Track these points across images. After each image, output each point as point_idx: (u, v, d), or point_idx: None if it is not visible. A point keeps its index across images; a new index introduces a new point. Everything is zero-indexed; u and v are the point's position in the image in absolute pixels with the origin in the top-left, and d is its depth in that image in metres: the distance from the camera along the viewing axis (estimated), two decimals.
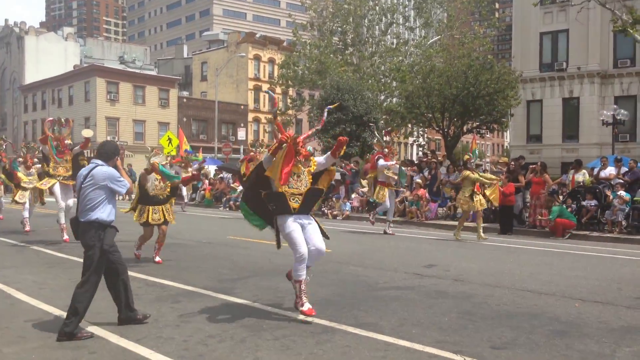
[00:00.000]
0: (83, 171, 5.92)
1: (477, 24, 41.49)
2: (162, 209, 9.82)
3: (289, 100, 42.26)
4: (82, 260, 5.79)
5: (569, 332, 5.72)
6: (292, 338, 5.47)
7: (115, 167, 5.97)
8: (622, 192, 14.68)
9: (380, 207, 15.43)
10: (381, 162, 14.55)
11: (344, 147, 6.58)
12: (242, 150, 45.70)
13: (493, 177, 14.30)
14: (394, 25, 38.60)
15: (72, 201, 12.09)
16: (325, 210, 20.68)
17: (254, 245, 12.28)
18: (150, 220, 9.72)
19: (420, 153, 60.43)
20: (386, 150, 14.98)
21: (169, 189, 9.94)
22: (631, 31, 18.78)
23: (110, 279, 5.90)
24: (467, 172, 13.56)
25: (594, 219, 15.11)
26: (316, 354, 5.02)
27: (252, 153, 18.90)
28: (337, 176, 21.90)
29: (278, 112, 42.14)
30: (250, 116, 56.96)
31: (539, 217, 15.37)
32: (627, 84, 31.72)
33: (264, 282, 8.21)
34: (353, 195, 21.17)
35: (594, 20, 30.62)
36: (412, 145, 71.47)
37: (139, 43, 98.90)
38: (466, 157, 14.05)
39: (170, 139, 20.04)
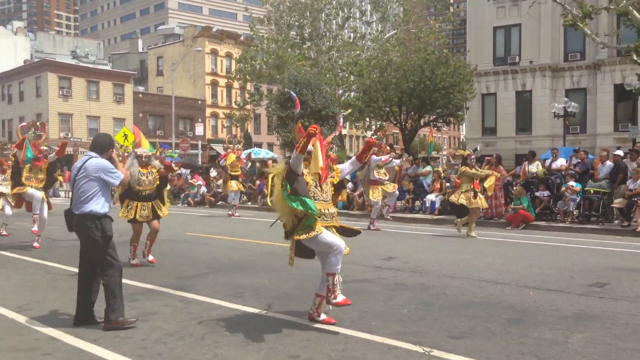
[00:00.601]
0: (77, 164, 5.93)
1: (433, 18, 41.89)
2: (152, 205, 9.19)
3: (247, 95, 42.02)
4: (33, 259, 5.65)
5: (524, 320, 5.86)
6: (252, 333, 5.44)
7: (111, 159, 5.97)
8: (572, 183, 15.10)
9: (373, 211, 14.66)
10: (373, 157, 13.91)
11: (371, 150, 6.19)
12: (199, 146, 45.30)
13: (488, 171, 13.90)
14: (351, 19, 38.74)
15: (45, 213, 11.43)
16: None
17: (212, 241, 12.18)
18: (137, 217, 9.09)
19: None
20: (375, 149, 14.03)
21: (158, 182, 9.27)
22: (581, 25, 19.23)
23: (86, 274, 5.87)
24: (465, 168, 12.95)
25: (547, 209, 15.51)
26: (276, 349, 5.01)
27: (229, 150, 18.70)
28: None
29: (236, 105, 41.61)
30: (208, 111, 56.41)
31: (512, 207, 15.40)
32: (577, 77, 32.60)
33: (223, 278, 8.16)
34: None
35: (545, 14, 31.35)
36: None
37: (92, 37, 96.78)
38: (466, 152, 13.43)
39: (126, 135, 19.62)
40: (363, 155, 6.19)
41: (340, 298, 5.70)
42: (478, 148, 14.45)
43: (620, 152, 15.88)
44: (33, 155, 11.09)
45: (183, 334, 5.45)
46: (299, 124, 5.89)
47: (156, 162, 9.45)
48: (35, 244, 11.27)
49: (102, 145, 5.99)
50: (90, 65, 56.58)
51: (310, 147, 5.57)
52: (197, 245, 11.60)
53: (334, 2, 37.52)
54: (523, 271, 8.57)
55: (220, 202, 23.64)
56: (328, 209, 5.77)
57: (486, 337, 5.30)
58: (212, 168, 28.54)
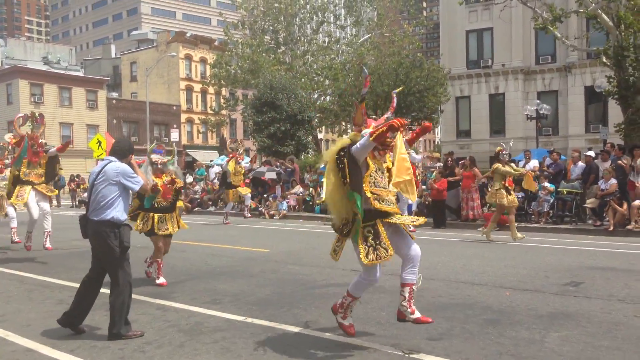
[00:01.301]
0: (95, 168, 5.79)
1: (406, 22, 42.31)
2: (168, 217, 8.30)
3: (222, 101, 41.86)
4: (6, 270, 5.55)
5: (501, 320, 5.93)
6: (231, 340, 5.42)
7: (130, 164, 5.88)
8: (546, 184, 15.32)
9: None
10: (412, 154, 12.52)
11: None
12: (175, 152, 44.88)
13: (521, 169, 13.54)
14: (325, 23, 38.89)
15: (47, 206, 10.89)
16: (262, 210, 20.61)
17: (190, 247, 12.10)
18: (156, 230, 8.15)
19: None
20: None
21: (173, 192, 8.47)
22: (551, 28, 19.59)
23: (92, 279, 5.77)
24: (497, 165, 12.43)
25: (522, 210, 15.70)
26: (257, 354, 5.00)
27: (231, 155, 18.19)
28: (273, 175, 21.87)
29: (212, 111, 41.38)
30: (183, 117, 56.05)
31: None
32: (548, 80, 33.12)
33: (201, 285, 8.11)
34: (289, 195, 21.17)
35: (516, 18, 31.82)
36: None
37: (63, 43, 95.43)
38: (498, 148, 12.81)
39: (99, 142, 19.44)
40: (414, 140, 6.05)
41: (417, 314, 5.22)
42: (511, 144, 13.94)
43: (591, 153, 16.18)
44: (25, 155, 10.49)
45: (162, 342, 5.40)
46: (363, 104, 5.30)
47: (172, 169, 8.58)
48: (48, 245, 10.89)
49: (123, 150, 5.88)
50: (62, 72, 55.79)
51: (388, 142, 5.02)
52: (174, 252, 11.47)
53: (308, 7, 37.64)
54: (499, 272, 8.68)
55: (196, 209, 23.49)
56: (389, 196, 5.18)
57: (464, 338, 5.35)
58: (187, 174, 28.33)
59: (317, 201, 19.10)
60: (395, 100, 5.79)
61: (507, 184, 12.45)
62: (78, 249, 11.82)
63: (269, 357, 4.92)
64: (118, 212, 5.60)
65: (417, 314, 5.19)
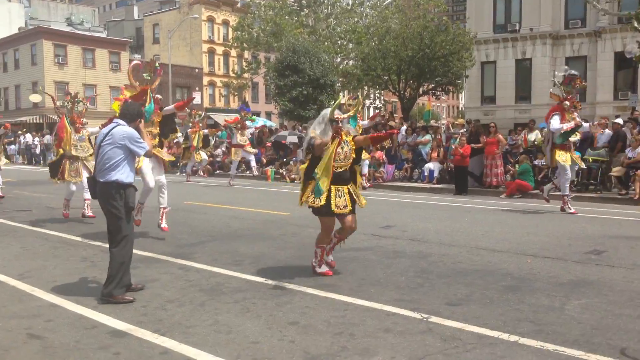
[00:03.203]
0: (103, 130, 5.87)
1: None
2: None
3: (244, 64, 41.66)
4: (33, 228, 5.65)
5: (521, 287, 5.90)
6: (252, 300, 5.49)
7: (137, 129, 5.86)
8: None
9: (558, 180, 11.74)
10: (555, 123, 11.08)
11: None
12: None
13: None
14: None
15: (163, 177, 9.17)
16: (284, 173, 20.66)
17: (211, 210, 12.20)
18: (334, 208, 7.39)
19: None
20: (567, 103, 11.32)
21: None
22: None
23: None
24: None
25: (546, 178, 15.50)
26: (276, 315, 5.05)
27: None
28: (294, 139, 21.85)
29: (234, 74, 40.97)
30: (205, 80, 55.99)
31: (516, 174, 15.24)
32: (577, 45, 32.33)
33: (222, 246, 8.19)
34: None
35: None
36: (368, 107, 71.61)
37: (86, 4, 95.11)
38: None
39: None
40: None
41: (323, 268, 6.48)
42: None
43: (619, 121, 15.83)
44: (152, 110, 8.92)
45: (183, 301, 5.49)
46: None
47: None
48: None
49: (132, 114, 5.90)
50: (86, 33, 55.81)
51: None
52: (195, 214, 11.62)
53: None
54: (521, 239, 8.61)
55: (217, 171, 23.62)
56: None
57: (483, 304, 5.34)
58: (209, 137, 28.40)
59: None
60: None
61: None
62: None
63: (288, 318, 4.97)
64: (122, 174, 5.63)
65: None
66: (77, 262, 7.24)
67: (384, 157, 18.94)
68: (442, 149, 18.00)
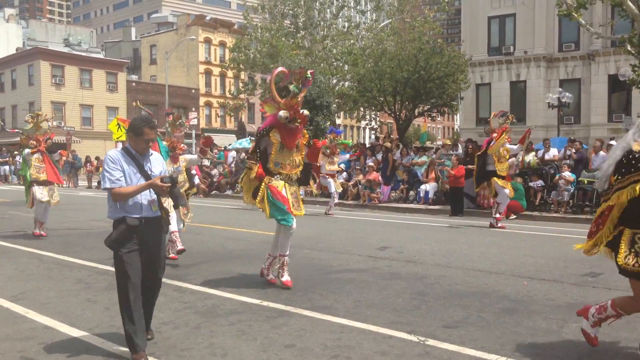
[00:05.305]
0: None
1: (427, 7, 41.85)
2: None
3: (240, 84, 41.84)
4: (27, 249, 5.60)
5: (518, 310, 5.88)
6: (247, 323, 5.45)
7: (144, 141, 4.58)
8: (567, 173, 15.13)
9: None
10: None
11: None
12: (194, 135, 45.08)
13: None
14: (345, 8, 38.56)
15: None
16: None
17: (206, 230, 12.16)
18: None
19: (373, 137, 60.79)
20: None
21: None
22: (576, 15, 19.24)
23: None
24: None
25: (541, 200, 15.55)
26: (272, 338, 5.01)
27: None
28: None
29: (230, 94, 41.09)
30: (202, 100, 56.19)
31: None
32: (571, 68, 32.62)
33: (217, 268, 8.15)
34: None
35: (539, 4, 31.34)
36: (364, 129, 71.89)
37: (84, 25, 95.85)
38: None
39: (119, 124, 19.54)
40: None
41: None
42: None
43: (614, 143, 15.90)
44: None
45: (178, 324, 5.44)
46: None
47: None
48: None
49: (134, 127, 4.64)
50: (83, 54, 56.10)
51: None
52: (191, 235, 11.55)
53: None
54: (517, 261, 8.61)
55: (214, 192, 23.61)
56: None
57: (480, 327, 5.32)
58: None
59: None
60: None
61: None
62: (96, 229, 11.95)
63: (284, 341, 4.93)
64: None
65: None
66: (71, 283, 7.19)
67: (379, 178, 18.96)
68: (437, 169, 18.03)
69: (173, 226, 8.22)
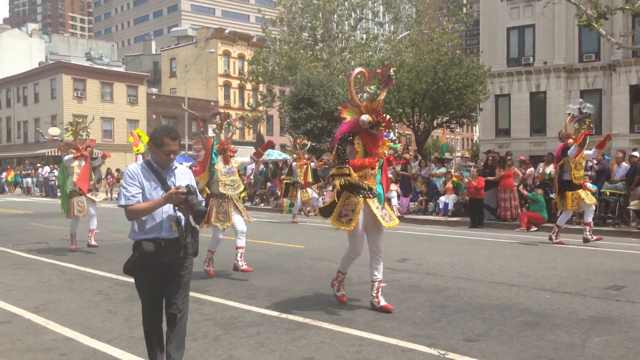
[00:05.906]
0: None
1: (446, 19, 41.83)
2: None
3: (259, 97, 42.12)
4: (48, 260, 5.65)
5: (540, 323, 5.80)
6: (266, 335, 5.43)
7: (164, 153, 4.10)
8: (588, 184, 14.92)
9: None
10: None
11: None
12: None
13: None
14: (363, 20, 38.74)
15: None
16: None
17: (226, 242, 12.17)
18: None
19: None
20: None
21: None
22: (596, 25, 19.09)
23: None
24: None
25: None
26: (291, 350, 5.00)
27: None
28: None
29: (249, 107, 41.45)
30: None
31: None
32: (592, 78, 32.30)
33: (236, 279, 8.16)
34: (325, 192, 21.12)
35: (559, 15, 31.10)
36: None
37: (105, 39, 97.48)
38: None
39: (140, 137, 19.74)
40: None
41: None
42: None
43: (636, 154, 15.70)
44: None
45: (197, 335, 5.45)
46: None
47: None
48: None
49: (154, 137, 4.18)
50: (104, 67, 56.90)
51: None
52: None
53: (346, 4, 37.54)
54: (538, 273, 8.50)
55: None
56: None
57: (502, 340, 5.25)
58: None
59: None
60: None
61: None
62: (116, 241, 12.05)
63: (303, 354, 4.91)
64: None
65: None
66: (92, 295, 7.24)
67: (399, 189, 18.89)
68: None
69: (240, 242, 8.36)
